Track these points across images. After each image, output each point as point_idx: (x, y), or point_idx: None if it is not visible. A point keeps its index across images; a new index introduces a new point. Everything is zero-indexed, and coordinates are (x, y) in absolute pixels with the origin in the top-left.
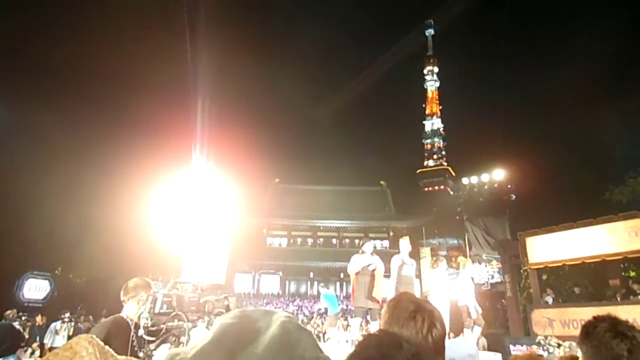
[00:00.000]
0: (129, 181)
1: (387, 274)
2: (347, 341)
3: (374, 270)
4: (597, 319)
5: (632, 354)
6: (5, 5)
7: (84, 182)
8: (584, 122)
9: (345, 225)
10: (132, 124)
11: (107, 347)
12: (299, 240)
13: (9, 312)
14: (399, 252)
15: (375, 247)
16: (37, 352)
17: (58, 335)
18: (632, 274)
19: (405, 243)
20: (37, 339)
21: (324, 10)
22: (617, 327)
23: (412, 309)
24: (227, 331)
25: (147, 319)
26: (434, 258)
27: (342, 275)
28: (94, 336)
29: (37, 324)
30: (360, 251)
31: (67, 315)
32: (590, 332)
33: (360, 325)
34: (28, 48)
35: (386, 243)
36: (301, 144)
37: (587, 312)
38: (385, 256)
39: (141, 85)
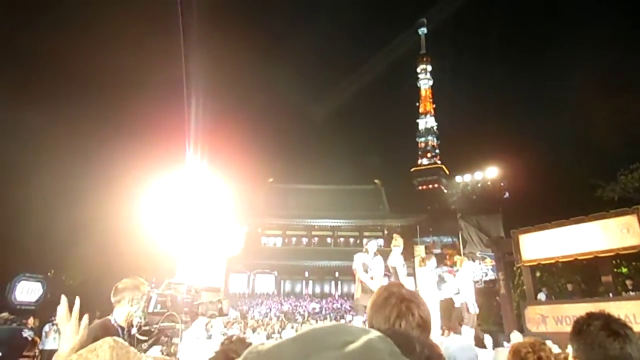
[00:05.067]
0: (122, 181)
1: (387, 273)
2: None
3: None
4: (590, 316)
5: (623, 350)
6: None
7: (76, 183)
8: (576, 119)
9: (340, 224)
10: (125, 123)
11: (131, 348)
12: (294, 239)
13: (4, 314)
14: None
15: (380, 246)
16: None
17: (48, 337)
18: (624, 270)
19: (400, 242)
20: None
21: (317, 10)
22: (610, 325)
23: (385, 296)
24: (311, 332)
25: (140, 318)
26: (422, 256)
27: (337, 274)
28: (117, 339)
29: (29, 327)
30: (364, 250)
31: None
32: (583, 329)
33: (363, 323)
34: (16, 44)
35: (381, 241)
36: (295, 143)
37: (580, 309)
38: (381, 254)
39: (134, 84)
